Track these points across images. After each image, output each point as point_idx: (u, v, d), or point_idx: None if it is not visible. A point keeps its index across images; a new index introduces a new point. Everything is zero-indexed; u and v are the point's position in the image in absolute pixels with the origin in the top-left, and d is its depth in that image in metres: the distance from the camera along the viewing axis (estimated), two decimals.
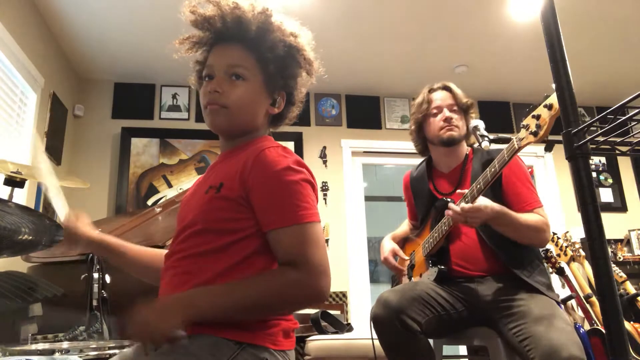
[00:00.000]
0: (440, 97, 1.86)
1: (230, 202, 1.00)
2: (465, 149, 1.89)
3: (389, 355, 1.61)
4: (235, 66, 1.07)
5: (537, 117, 1.30)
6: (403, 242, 2.04)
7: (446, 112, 1.82)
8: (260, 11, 1.08)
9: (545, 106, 1.28)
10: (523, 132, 1.38)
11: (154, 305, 0.91)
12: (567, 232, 2.67)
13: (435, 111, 1.85)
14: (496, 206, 1.57)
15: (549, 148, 1.24)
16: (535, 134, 1.32)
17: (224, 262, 0.98)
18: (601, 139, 0.75)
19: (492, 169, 1.53)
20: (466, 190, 1.62)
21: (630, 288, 2.53)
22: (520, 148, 1.42)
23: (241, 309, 0.94)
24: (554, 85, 0.79)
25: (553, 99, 1.25)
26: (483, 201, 1.57)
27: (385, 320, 1.56)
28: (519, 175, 1.73)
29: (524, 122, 1.37)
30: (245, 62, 1.07)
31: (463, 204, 1.57)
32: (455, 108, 1.84)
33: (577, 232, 2.82)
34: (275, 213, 0.97)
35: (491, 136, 1.64)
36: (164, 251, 1.18)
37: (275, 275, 0.96)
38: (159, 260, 1.18)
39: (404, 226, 2.10)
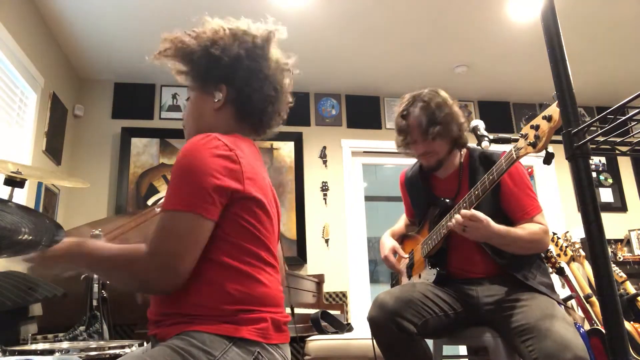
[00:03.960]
0: (410, 129, 1.74)
1: None
2: (458, 156, 1.82)
3: (386, 357, 1.61)
4: (188, 91, 1.27)
5: (536, 128, 1.25)
6: (402, 238, 2.03)
7: (419, 149, 1.75)
8: (180, 36, 1.22)
9: (544, 117, 1.23)
10: (522, 142, 1.33)
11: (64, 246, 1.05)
12: (567, 232, 2.67)
13: (410, 140, 1.76)
14: (501, 229, 1.55)
15: (547, 161, 1.19)
16: (534, 145, 1.27)
17: None
18: (601, 139, 0.75)
19: (490, 177, 1.51)
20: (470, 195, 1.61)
21: (630, 288, 2.53)
22: (518, 158, 1.40)
23: (103, 270, 1.10)
24: (555, 95, 0.77)
25: (553, 110, 1.20)
26: (484, 215, 1.53)
27: (381, 322, 1.56)
28: (518, 182, 1.70)
29: (523, 132, 1.32)
30: (190, 83, 1.25)
31: (463, 210, 1.55)
32: (427, 138, 1.70)
33: (577, 232, 2.82)
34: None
35: (491, 136, 1.63)
36: None
37: (132, 249, 0.99)
38: None
39: (401, 222, 2.10)
